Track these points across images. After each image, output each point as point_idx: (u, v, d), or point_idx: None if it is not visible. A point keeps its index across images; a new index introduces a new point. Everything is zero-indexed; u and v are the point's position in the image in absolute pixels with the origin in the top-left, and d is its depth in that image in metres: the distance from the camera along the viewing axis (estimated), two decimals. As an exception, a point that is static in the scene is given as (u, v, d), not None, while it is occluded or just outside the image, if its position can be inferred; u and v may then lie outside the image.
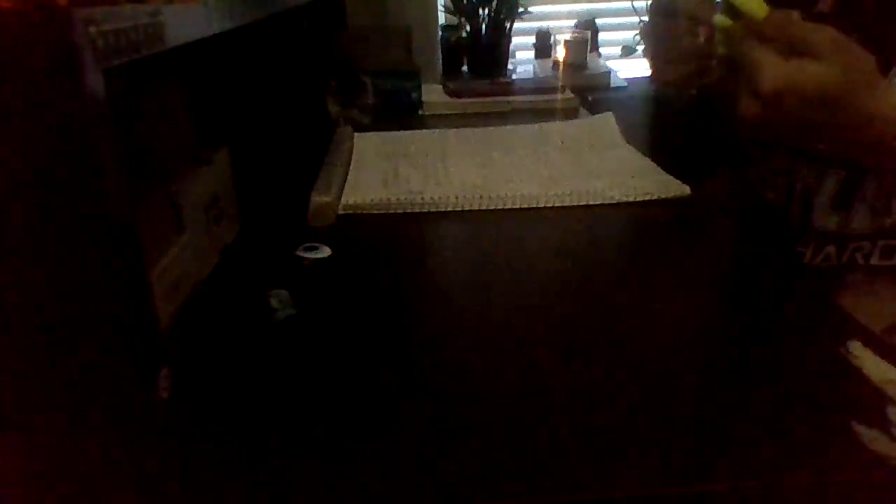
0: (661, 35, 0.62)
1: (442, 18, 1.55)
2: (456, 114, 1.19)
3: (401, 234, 0.71)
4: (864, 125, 0.51)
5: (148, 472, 0.36)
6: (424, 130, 1.05)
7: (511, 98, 1.23)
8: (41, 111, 0.30)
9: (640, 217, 0.71)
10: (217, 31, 0.46)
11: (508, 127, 1.06)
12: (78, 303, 0.33)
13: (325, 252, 0.64)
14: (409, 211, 0.74)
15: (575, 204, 0.74)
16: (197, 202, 0.58)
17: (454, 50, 1.51)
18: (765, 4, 0.51)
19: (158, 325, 0.40)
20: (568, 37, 1.48)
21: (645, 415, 0.41)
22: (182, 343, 0.50)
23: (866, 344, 0.46)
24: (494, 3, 1.45)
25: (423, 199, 0.75)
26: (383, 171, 0.85)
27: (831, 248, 0.67)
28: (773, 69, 0.49)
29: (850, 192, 0.63)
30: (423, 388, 0.44)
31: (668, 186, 0.76)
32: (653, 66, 0.65)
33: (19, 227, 0.32)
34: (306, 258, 0.63)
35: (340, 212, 0.73)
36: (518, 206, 0.74)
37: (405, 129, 1.04)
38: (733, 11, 0.53)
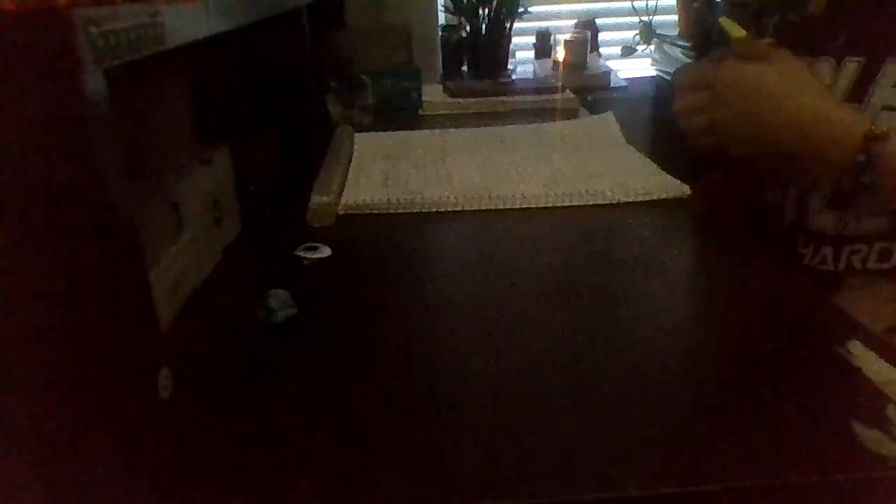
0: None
1: (442, 18, 1.55)
2: (456, 114, 1.19)
3: (401, 234, 0.71)
4: (804, 126, 0.60)
5: (147, 472, 0.36)
6: (424, 130, 1.04)
7: (511, 98, 1.23)
8: (41, 111, 0.30)
9: (641, 217, 0.71)
10: (217, 32, 0.46)
11: (508, 127, 1.06)
12: (78, 303, 0.33)
13: (325, 252, 0.64)
14: (409, 211, 0.74)
15: (575, 204, 0.74)
16: (197, 202, 0.58)
17: (454, 50, 1.51)
18: (742, 30, 0.66)
19: (158, 325, 0.40)
20: (568, 37, 1.48)
21: (644, 415, 0.41)
22: (182, 343, 0.50)
23: (866, 344, 0.46)
24: (494, 3, 1.45)
25: (423, 199, 0.75)
26: (383, 171, 0.85)
27: (828, 251, 0.67)
28: (727, 66, 0.66)
29: (845, 192, 0.63)
30: (423, 388, 0.44)
31: (668, 186, 0.76)
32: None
33: (19, 227, 0.32)
34: (306, 258, 0.63)
35: (340, 212, 0.73)
36: (518, 206, 0.74)
37: (405, 129, 1.04)
38: (724, 33, 0.67)
